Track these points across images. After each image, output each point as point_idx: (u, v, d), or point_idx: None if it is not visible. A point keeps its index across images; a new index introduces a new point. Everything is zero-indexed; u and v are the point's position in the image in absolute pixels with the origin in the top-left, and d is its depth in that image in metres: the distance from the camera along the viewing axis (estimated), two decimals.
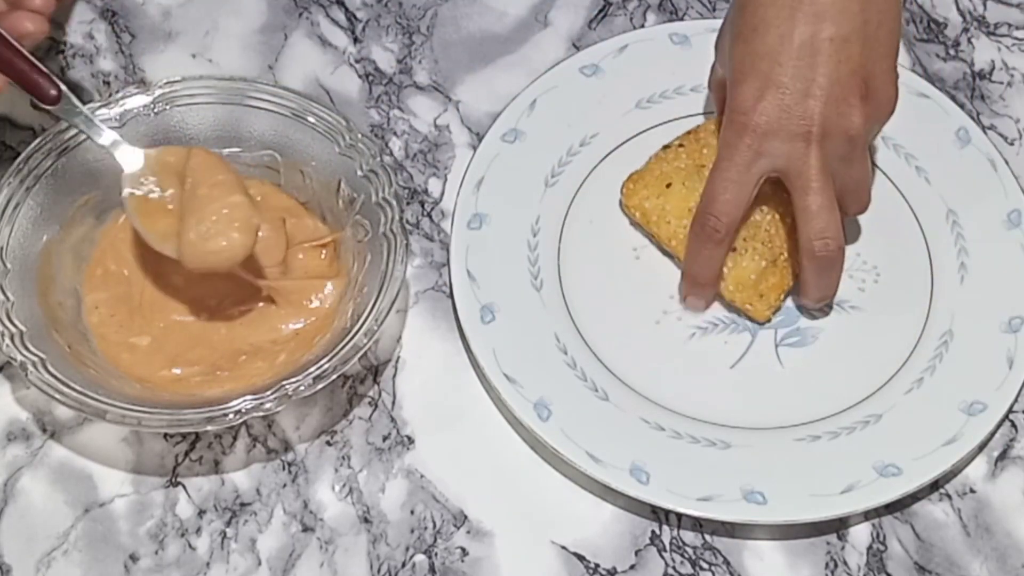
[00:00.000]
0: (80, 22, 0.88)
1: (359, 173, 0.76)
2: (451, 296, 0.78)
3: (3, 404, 0.75)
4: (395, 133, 0.85)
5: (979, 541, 0.73)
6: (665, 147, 0.79)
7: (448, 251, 0.79)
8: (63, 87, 0.70)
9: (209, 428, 0.70)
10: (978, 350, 0.77)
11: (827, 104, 0.71)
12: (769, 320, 0.77)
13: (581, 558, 0.72)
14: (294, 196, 0.79)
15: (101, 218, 0.77)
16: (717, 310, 0.79)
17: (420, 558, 0.72)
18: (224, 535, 0.72)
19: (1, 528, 0.71)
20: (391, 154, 0.84)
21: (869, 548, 0.73)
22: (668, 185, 0.77)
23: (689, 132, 0.79)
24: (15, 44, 0.69)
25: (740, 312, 0.77)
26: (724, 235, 0.73)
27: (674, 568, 0.72)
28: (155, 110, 0.77)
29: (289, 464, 0.74)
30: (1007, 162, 0.82)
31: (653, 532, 0.73)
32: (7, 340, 0.70)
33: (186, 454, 0.74)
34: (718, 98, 0.78)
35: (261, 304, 0.76)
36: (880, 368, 0.77)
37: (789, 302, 0.79)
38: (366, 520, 0.73)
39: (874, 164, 0.82)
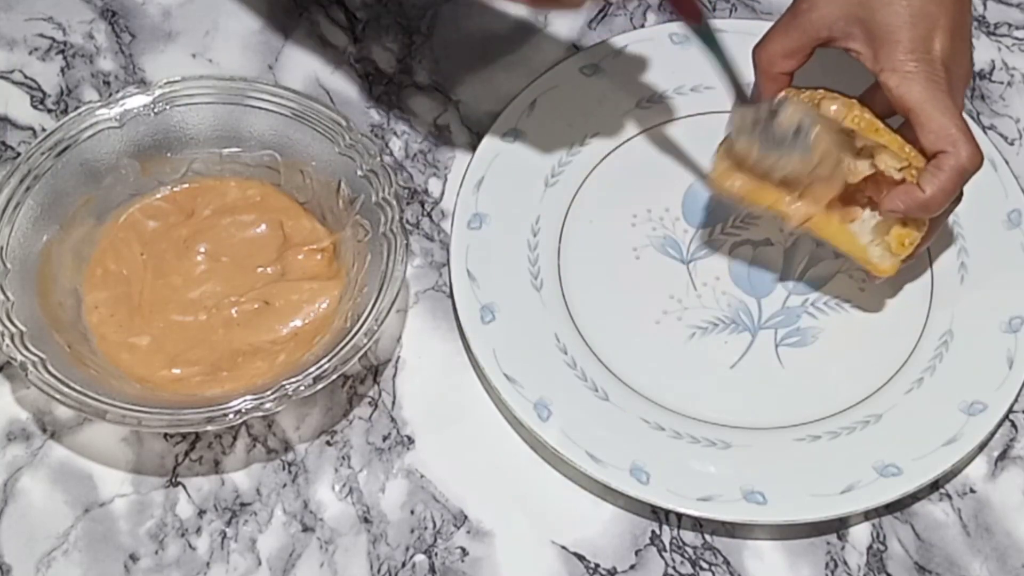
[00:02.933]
0: (80, 22, 0.88)
1: (359, 173, 0.76)
2: (451, 296, 0.78)
3: (3, 404, 0.75)
4: (395, 133, 0.85)
5: (979, 541, 0.73)
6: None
7: (448, 251, 0.79)
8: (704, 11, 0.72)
9: (209, 428, 0.70)
10: (978, 350, 0.77)
11: (968, 50, 0.74)
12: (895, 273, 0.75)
13: (581, 558, 0.72)
14: (294, 196, 0.79)
15: (101, 218, 0.77)
16: (717, 310, 0.79)
17: (420, 558, 0.72)
18: (224, 535, 0.72)
19: (1, 528, 0.71)
20: (391, 154, 0.84)
21: (869, 548, 0.73)
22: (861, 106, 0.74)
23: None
24: None
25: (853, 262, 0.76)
26: None
27: (674, 568, 0.72)
28: (155, 110, 0.77)
29: (289, 464, 0.74)
30: (1007, 162, 0.82)
31: (653, 532, 0.73)
32: (7, 340, 0.70)
33: (186, 454, 0.74)
34: (776, 69, 0.76)
35: (260, 304, 0.76)
36: (880, 368, 0.77)
37: (790, 302, 0.79)
38: (366, 520, 0.73)
39: None
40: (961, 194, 0.73)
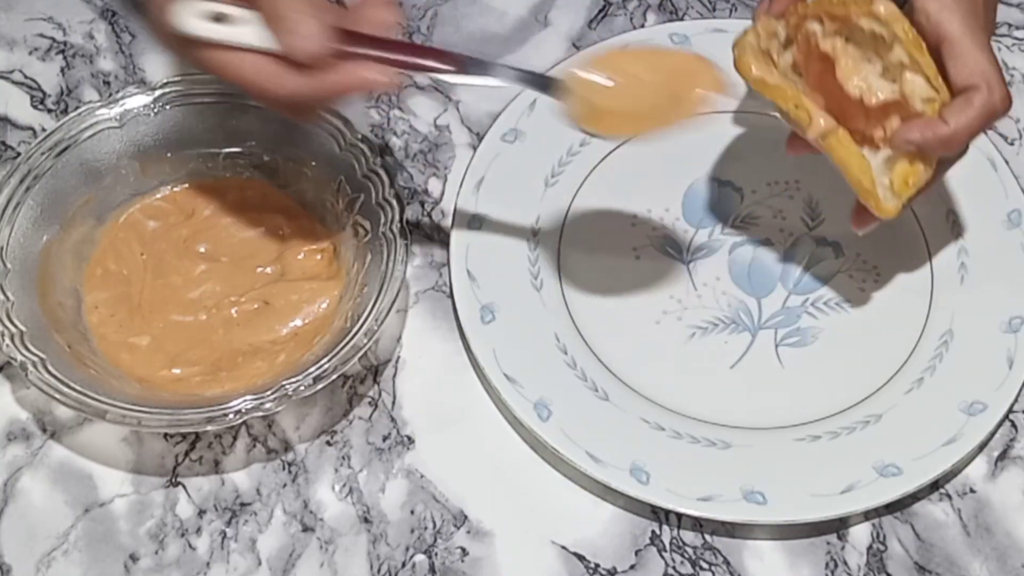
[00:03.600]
0: (80, 22, 0.88)
1: (359, 173, 0.76)
2: (451, 296, 0.78)
3: (3, 404, 0.75)
4: (395, 133, 0.85)
5: (979, 541, 0.73)
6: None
7: (448, 251, 0.79)
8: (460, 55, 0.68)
9: (209, 428, 0.70)
10: (978, 350, 0.76)
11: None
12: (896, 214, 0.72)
13: (581, 558, 0.72)
14: (294, 196, 0.79)
15: (101, 218, 0.77)
16: (717, 310, 0.79)
17: (420, 558, 0.72)
18: (224, 535, 0.72)
19: (1, 528, 0.71)
20: (391, 154, 0.84)
21: (869, 548, 0.73)
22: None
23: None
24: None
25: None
26: None
27: (674, 568, 0.72)
28: (155, 110, 0.77)
29: (289, 464, 0.74)
30: (1007, 162, 0.82)
31: (653, 532, 0.73)
32: (7, 340, 0.70)
33: (186, 454, 0.74)
34: None
35: (260, 304, 0.76)
36: (880, 368, 0.77)
37: (790, 302, 0.79)
38: (366, 520, 0.73)
39: None
40: (966, 148, 0.70)
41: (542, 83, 0.69)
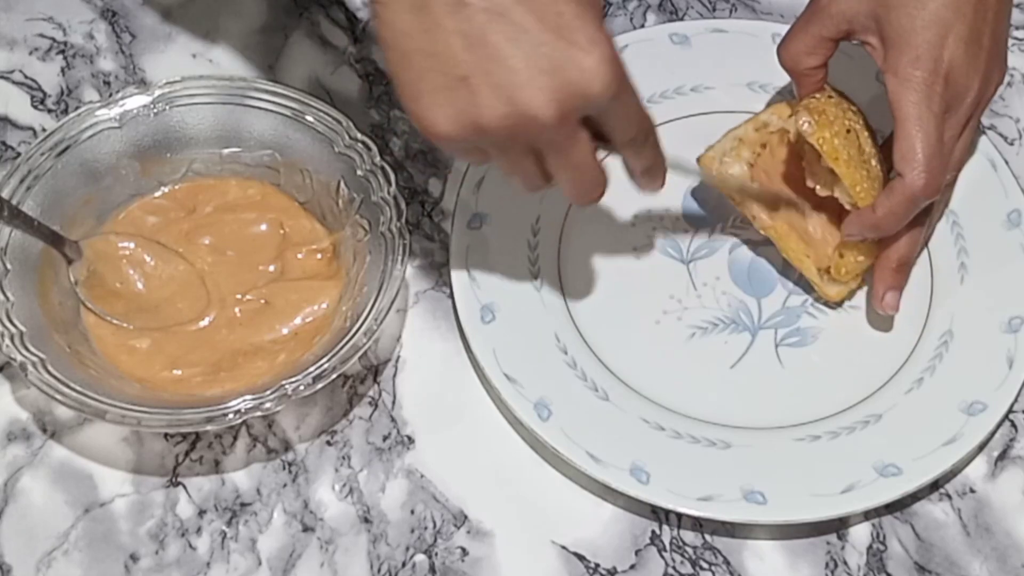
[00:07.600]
0: (80, 22, 0.88)
1: (358, 173, 0.76)
2: (451, 296, 0.78)
3: (3, 404, 0.75)
4: (395, 133, 0.85)
5: (979, 541, 0.73)
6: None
7: (448, 251, 0.79)
8: None
9: (209, 428, 0.70)
10: (978, 350, 0.76)
11: (991, 58, 0.72)
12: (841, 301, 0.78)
13: (581, 558, 0.72)
14: (293, 196, 0.79)
15: (101, 218, 0.77)
16: (717, 310, 0.79)
17: (420, 558, 0.72)
18: (224, 535, 0.72)
19: (1, 528, 0.71)
20: (391, 154, 0.84)
21: (869, 548, 0.73)
22: (848, 131, 0.74)
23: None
24: None
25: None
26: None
27: (674, 568, 0.72)
28: (155, 110, 0.77)
29: (289, 464, 0.74)
30: (1007, 162, 0.82)
31: (653, 532, 0.73)
32: (7, 340, 0.70)
33: (186, 454, 0.74)
34: (802, 65, 0.76)
35: (261, 304, 0.76)
36: (880, 368, 0.77)
37: (790, 302, 0.79)
38: (366, 520, 0.73)
39: None
40: (938, 192, 0.73)
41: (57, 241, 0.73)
